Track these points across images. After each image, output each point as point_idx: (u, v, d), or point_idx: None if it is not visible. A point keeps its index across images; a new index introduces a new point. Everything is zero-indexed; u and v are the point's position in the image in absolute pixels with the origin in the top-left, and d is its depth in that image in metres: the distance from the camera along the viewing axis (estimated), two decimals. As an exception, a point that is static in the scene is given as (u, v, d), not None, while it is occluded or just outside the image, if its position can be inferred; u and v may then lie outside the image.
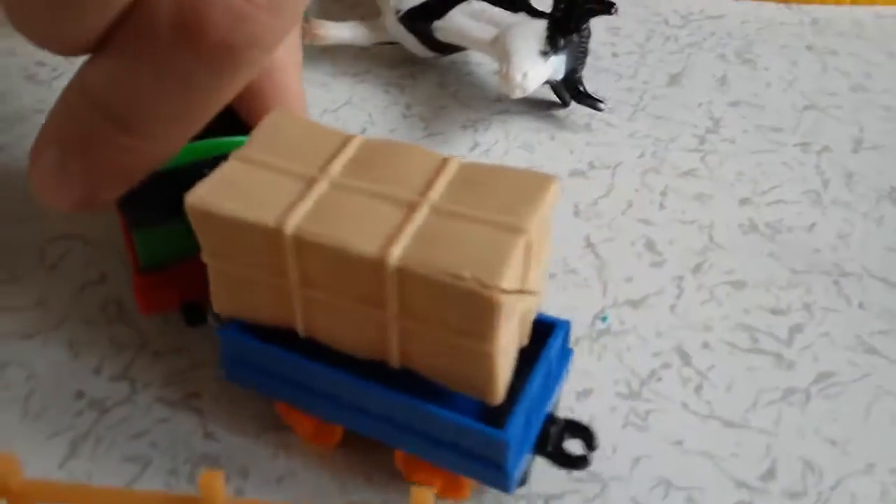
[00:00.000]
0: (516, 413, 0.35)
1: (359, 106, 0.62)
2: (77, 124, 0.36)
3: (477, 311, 0.31)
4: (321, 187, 0.34)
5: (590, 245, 0.52)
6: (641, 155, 0.59)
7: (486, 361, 0.32)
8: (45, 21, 0.34)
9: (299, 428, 0.41)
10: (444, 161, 0.35)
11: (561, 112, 0.62)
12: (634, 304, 0.49)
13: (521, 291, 0.32)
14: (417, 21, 0.62)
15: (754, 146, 0.59)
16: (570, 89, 0.61)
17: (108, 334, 0.46)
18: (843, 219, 0.54)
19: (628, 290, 0.49)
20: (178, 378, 0.44)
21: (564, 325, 0.39)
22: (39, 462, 0.41)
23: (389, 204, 0.33)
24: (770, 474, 0.41)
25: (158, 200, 0.39)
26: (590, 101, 0.61)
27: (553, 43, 0.57)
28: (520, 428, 0.35)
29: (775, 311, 0.48)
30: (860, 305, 0.49)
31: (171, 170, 0.38)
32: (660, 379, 0.45)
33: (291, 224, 0.32)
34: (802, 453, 0.42)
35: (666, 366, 0.46)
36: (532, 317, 0.37)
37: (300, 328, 0.36)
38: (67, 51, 0.36)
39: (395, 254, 0.31)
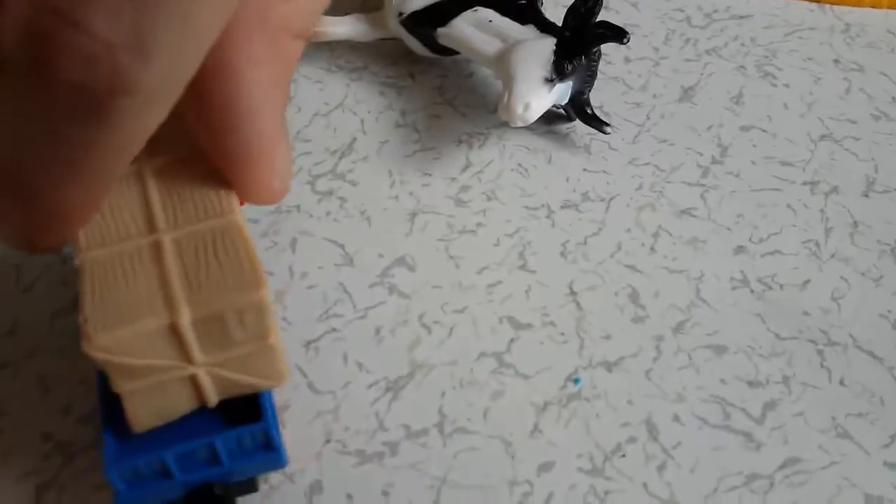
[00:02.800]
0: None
1: (352, 109, 0.60)
2: None
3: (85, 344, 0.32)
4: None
5: (572, 293, 0.51)
6: (639, 187, 0.56)
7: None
8: None
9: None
10: (222, 213, 0.36)
11: (563, 127, 0.60)
12: (610, 366, 0.48)
13: (145, 356, 0.32)
14: (420, 26, 0.59)
15: (759, 182, 0.57)
16: (577, 110, 0.58)
17: (79, 369, 0.47)
18: (839, 276, 0.52)
19: (606, 350, 0.49)
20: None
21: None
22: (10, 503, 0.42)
23: (142, 219, 0.35)
24: (721, 569, 0.41)
25: None
26: (595, 122, 0.58)
27: (559, 70, 0.54)
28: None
29: (752, 384, 0.47)
30: (841, 382, 0.48)
31: None
32: (624, 455, 0.45)
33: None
34: (756, 548, 0.42)
35: (632, 440, 0.45)
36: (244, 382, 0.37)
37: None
38: None
39: (84, 256, 0.34)
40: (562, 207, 0.55)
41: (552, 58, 0.55)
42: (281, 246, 0.52)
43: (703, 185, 0.57)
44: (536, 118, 0.54)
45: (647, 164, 0.58)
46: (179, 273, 0.33)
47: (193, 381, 0.35)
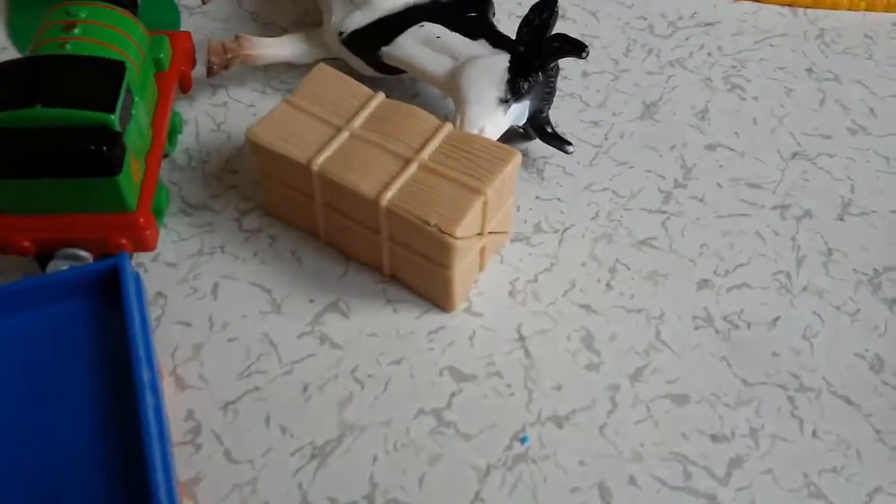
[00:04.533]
0: None
1: (287, 136, 0.56)
2: None
3: (439, 248, 0.44)
4: (343, 136, 0.48)
5: (521, 338, 0.46)
6: (596, 216, 0.52)
7: (446, 283, 0.46)
8: None
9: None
10: (439, 125, 0.48)
11: (518, 146, 0.55)
12: (560, 420, 0.44)
13: (477, 235, 0.46)
14: (362, 45, 0.55)
15: (726, 207, 0.52)
16: (536, 130, 0.53)
17: None
18: (812, 312, 0.48)
19: (556, 402, 0.44)
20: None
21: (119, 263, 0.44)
22: None
23: (390, 156, 0.47)
24: None
25: (18, 157, 0.43)
26: (557, 142, 0.53)
27: (514, 89, 0.50)
28: None
29: (717, 438, 0.43)
30: (814, 433, 0.43)
31: (32, 131, 0.43)
32: (574, 525, 0.41)
33: (317, 163, 0.46)
34: None
35: (583, 507, 0.41)
36: (498, 246, 0.50)
37: (322, 236, 0.50)
38: None
39: (387, 197, 0.45)
40: (512, 241, 0.51)
41: (506, 76, 0.50)
42: (201, 293, 0.48)
43: (664, 213, 0.52)
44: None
45: (605, 189, 0.53)
46: (458, 171, 0.45)
47: (482, 251, 0.48)
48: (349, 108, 0.49)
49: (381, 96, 0.49)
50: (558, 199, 0.53)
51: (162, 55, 0.51)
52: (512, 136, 0.55)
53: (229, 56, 0.56)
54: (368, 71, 0.57)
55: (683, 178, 0.54)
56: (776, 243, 0.51)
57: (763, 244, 0.51)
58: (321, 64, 0.51)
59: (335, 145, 0.47)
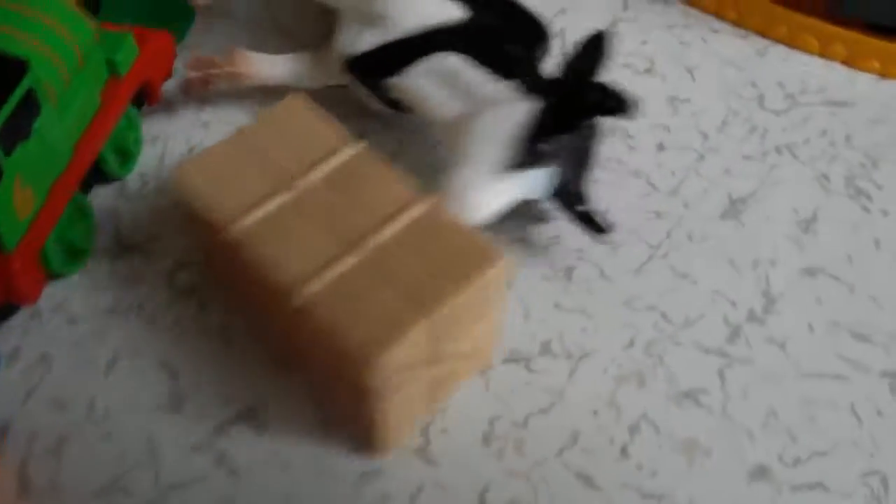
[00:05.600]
0: None
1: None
2: None
3: (360, 376, 0.32)
4: (287, 196, 0.36)
5: (482, 507, 0.34)
6: (630, 344, 0.38)
7: (370, 422, 0.34)
8: None
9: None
10: (412, 201, 0.35)
11: (542, 233, 0.42)
12: None
13: (426, 363, 0.33)
14: (367, 74, 0.43)
15: (815, 363, 0.38)
16: (564, 206, 0.41)
17: None
18: (915, 545, 0.33)
19: None
20: None
21: None
22: None
23: (331, 235, 0.35)
24: None
25: None
26: (590, 224, 0.41)
27: (530, 150, 0.37)
28: None
29: None
30: None
31: None
32: None
33: (236, 227, 0.35)
34: None
35: None
36: (473, 370, 0.37)
37: (250, 317, 0.39)
38: None
39: (304, 292, 0.33)
40: (506, 361, 0.38)
41: (524, 132, 0.38)
42: (94, 365, 0.37)
43: (725, 356, 0.38)
44: (487, 217, 0.37)
45: (651, 308, 0.40)
46: (409, 273, 0.33)
47: (431, 383, 0.34)
48: (309, 158, 0.37)
49: (356, 148, 0.37)
50: (583, 313, 0.39)
51: (119, 57, 0.41)
52: (534, 217, 0.42)
53: (213, 72, 0.45)
54: (376, 105, 0.45)
55: (763, 311, 0.40)
56: (877, 429, 0.36)
57: (857, 426, 0.36)
58: (294, 94, 0.40)
59: (272, 206, 0.35)
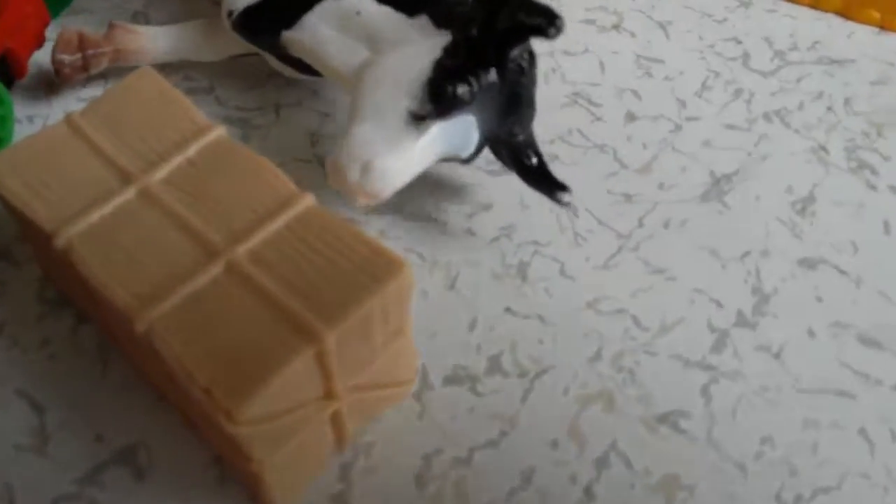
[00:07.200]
0: None
1: (160, 158, 0.38)
2: None
3: (224, 425, 0.24)
4: (128, 193, 0.29)
5: (414, 570, 0.27)
6: (596, 356, 0.32)
7: (252, 477, 0.26)
8: None
9: None
10: (293, 199, 0.28)
11: (481, 214, 0.35)
12: None
13: (319, 400, 0.26)
14: (258, 31, 0.36)
15: (817, 376, 0.31)
16: (508, 161, 0.34)
17: None
18: None
19: None
20: None
21: None
22: None
23: (189, 243, 0.28)
24: None
25: None
26: (545, 183, 0.34)
27: (439, 95, 0.30)
28: None
29: None
30: None
31: None
32: None
33: (67, 234, 0.28)
34: None
35: None
36: (393, 401, 0.30)
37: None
38: None
39: (148, 316, 0.26)
40: (446, 381, 0.31)
41: (430, 74, 0.31)
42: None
43: (710, 368, 0.32)
44: (394, 189, 0.31)
45: (621, 311, 0.33)
46: (288, 289, 0.26)
47: (335, 420, 0.28)
48: (159, 146, 0.30)
49: (216, 134, 0.30)
50: (540, 319, 0.33)
51: (-36, 19, 0.34)
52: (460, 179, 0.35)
53: (90, 53, 0.38)
54: (290, 72, 0.38)
55: (754, 313, 0.33)
56: (893, 457, 0.30)
57: (869, 454, 0.30)
58: (144, 68, 0.32)
59: (110, 207, 0.28)
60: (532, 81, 0.32)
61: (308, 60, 0.35)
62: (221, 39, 0.38)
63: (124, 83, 0.32)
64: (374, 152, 0.30)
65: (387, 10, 0.33)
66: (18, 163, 0.30)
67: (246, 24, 0.36)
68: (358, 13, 0.33)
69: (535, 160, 0.34)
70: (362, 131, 0.30)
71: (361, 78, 0.32)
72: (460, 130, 0.32)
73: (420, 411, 0.31)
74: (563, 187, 0.33)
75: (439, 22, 0.32)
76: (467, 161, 0.33)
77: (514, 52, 0.31)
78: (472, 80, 0.30)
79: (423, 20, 0.32)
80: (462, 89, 0.30)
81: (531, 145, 0.34)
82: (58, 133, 0.30)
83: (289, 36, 0.35)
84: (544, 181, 0.34)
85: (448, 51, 0.30)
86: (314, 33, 0.34)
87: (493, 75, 0.31)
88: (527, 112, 0.33)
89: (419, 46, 0.31)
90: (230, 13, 0.36)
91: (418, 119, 0.30)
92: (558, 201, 0.34)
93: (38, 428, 0.30)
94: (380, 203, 0.31)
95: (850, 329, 0.33)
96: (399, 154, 0.30)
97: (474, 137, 0.32)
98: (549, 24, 0.28)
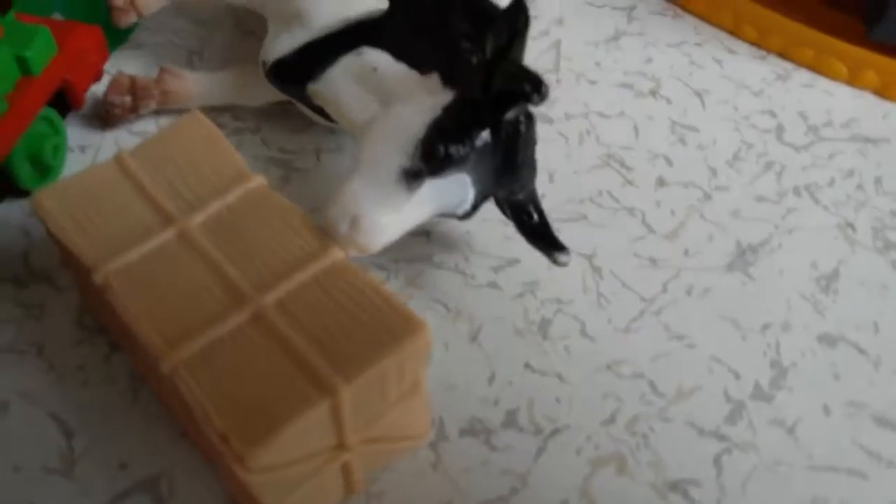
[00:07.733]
0: None
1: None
2: None
3: (238, 471, 0.26)
4: (168, 234, 0.30)
5: None
6: (610, 420, 0.32)
7: None
8: None
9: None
10: (323, 251, 0.30)
11: (506, 269, 0.36)
12: None
13: (332, 449, 0.27)
14: (287, 81, 0.37)
15: (831, 453, 0.32)
16: (513, 218, 0.35)
17: None
18: None
19: None
20: None
21: None
22: None
23: (219, 287, 0.29)
24: None
25: None
26: (543, 242, 0.34)
27: (430, 154, 0.31)
28: None
29: None
30: None
31: None
32: None
33: (106, 270, 0.29)
34: None
35: None
36: (401, 453, 0.31)
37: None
38: None
39: (174, 358, 0.27)
40: (462, 432, 0.32)
41: (425, 132, 0.31)
42: (-33, 418, 0.32)
43: (723, 439, 0.32)
44: (386, 242, 0.31)
45: (639, 376, 0.34)
46: (309, 341, 0.27)
47: (345, 469, 0.29)
48: (201, 190, 0.31)
49: (256, 180, 0.31)
50: (558, 377, 0.33)
51: (30, 54, 0.36)
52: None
53: (139, 97, 0.40)
54: (318, 118, 0.39)
55: (771, 386, 0.33)
56: None
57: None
58: (193, 112, 0.34)
59: (148, 246, 0.30)
60: (530, 142, 0.33)
61: (328, 111, 0.36)
62: (261, 86, 0.40)
63: (174, 126, 0.33)
64: (363, 207, 0.30)
65: (402, 67, 0.34)
66: (66, 197, 0.31)
67: (277, 74, 0.37)
68: (375, 69, 0.35)
69: (535, 218, 0.35)
70: (355, 186, 0.31)
71: (364, 132, 0.33)
72: (454, 188, 0.32)
73: (434, 461, 0.31)
74: (561, 247, 0.34)
75: (447, 81, 0.33)
76: (463, 218, 0.34)
77: (510, 115, 0.31)
78: (466, 140, 0.31)
79: (433, 78, 0.34)
80: (454, 149, 0.31)
81: (532, 203, 0.34)
82: (106, 170, 0.32)
83: (313, 88, 0.36)
84: (543, 239, 0.34)
85: (447, 110, 0.31)
86: (335, 86, 0.35)
87: (486, 136, 0.31)
88: (525, 172, 0.34)
89: (422, 104, 0.32)
90: (264, 63, 0.37)
91: (411, 176, 0.31)
92: (555, 261, 0.34)
93: (66, 451, 0.31)
94: (371, 254, 0.32)
95: (866, 409, 0.33)
96: (388, 210, 0.31)
97: (470, 195, 0.33)
98: (533, 90, 0.29)
